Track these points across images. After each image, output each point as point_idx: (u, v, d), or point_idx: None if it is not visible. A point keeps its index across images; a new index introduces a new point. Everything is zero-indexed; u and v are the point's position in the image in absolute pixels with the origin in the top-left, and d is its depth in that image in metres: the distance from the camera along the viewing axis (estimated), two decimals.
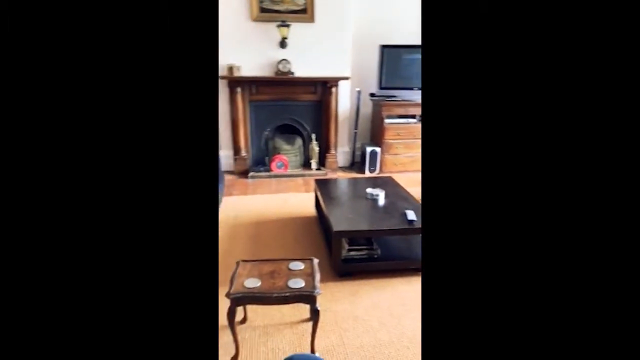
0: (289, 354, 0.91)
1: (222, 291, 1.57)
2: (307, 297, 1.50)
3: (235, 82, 3.89)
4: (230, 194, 3.53)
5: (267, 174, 4.05)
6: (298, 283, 1.55)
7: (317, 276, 1.61)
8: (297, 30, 3.90)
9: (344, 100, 4.24)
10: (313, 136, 4.17)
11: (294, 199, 3.44)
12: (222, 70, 3.90)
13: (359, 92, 4.25)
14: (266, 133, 4.21)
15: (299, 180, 4.01)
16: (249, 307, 1.83)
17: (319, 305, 1.53)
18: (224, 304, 1.54)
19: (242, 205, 3.27)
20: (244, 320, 1.81)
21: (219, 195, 2.80)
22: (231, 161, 4.18)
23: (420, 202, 2.55)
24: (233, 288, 1.51)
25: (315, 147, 4.16)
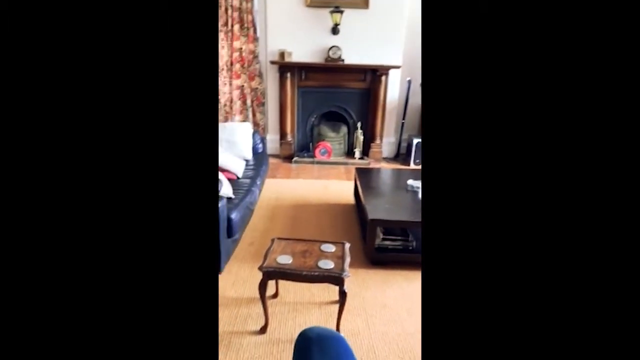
0: (331, 330, 0.95)
1: (257, 265, 1.65)
2: (335, 278, 1.54)
3: (286, 68, 3.97)
4: (274, 177, 3.65)
5: (311, 159, 4.12)
6: (328, 264, 1.59)
7: (347, 260, 1.64)
8: (350, 17, 3.87)
9: (393, 90, 4.16)
10: (359, 125, 4.15)
11: (334, 186, 3.48)
12: (273, 56, 3.99)
13: (409, 81, 4.14)
14: (312, 119, 4.26)
15: (341, 168, 4.03)
16: (281, 284, 1.91)
17: (346, 288, 1.56)
18: (257, 277, 1.63)
19: (284, 188, 3.37)
20: (275, 295, 1.89)
21: (262, 177, 2.90)
22: (277, 145, 4.30)
23: None
24: (266, 262, 1.59)
25: (360, 135, 4.14)
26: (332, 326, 1.67)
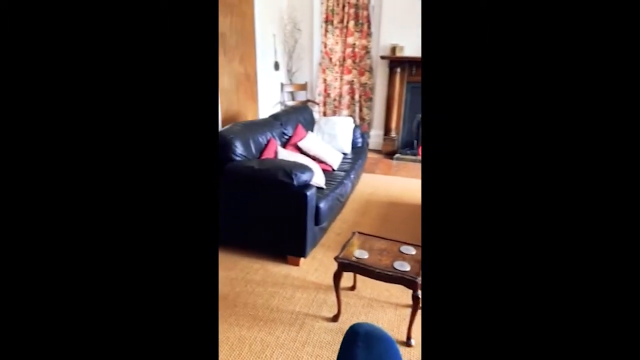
0: (381, 329, 0.96)
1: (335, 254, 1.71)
2: (409, 281, 1.49)
3: (396, 62, 3.90)
4: (372, 172, 3.65)
5: (413, 157, 3.98)
6: (404, 266, 1.54)
7: None
8: None
9: None
10: None
11: None
12: (384, 51, 3.96)
13: None
14: (419, 116, 4.10)
15: None
16: (360, 279, 1.93)
17: (420, 293, 1.49)
18: (333, 266, 1.68)
19: (380, 184, 3.35)
20: (353, 288, 1.93)
21: (357, 171, 2.94)
22: (380, 140, 4.27)
23: None
24: (342, 254, 1.63)
25: None
26: (403, 330, 1.63)
